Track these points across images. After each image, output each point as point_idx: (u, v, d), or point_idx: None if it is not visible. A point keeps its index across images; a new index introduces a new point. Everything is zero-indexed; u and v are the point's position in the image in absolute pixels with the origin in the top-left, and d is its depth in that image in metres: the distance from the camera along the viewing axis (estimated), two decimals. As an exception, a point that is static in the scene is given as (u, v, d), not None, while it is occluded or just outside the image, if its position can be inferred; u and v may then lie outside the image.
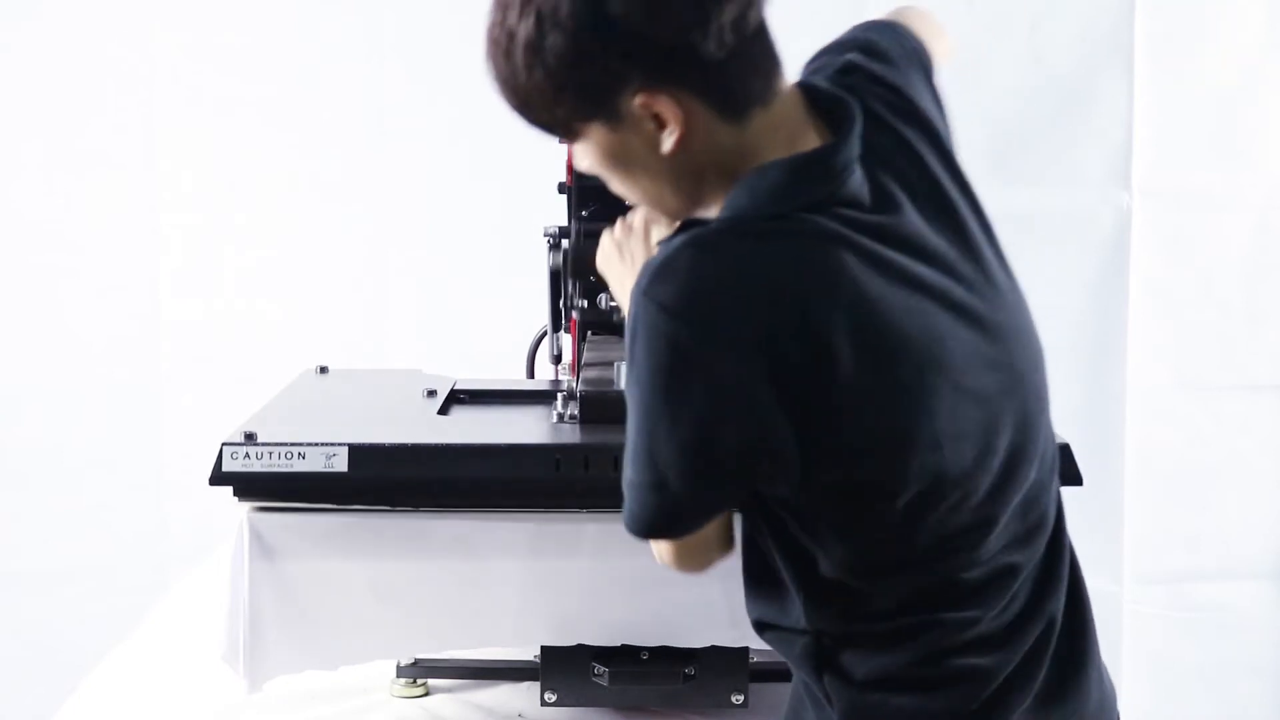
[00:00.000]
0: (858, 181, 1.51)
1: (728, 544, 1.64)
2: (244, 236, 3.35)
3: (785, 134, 1.52)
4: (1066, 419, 3.04)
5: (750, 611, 1.65)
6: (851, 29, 1.73)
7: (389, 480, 2.02)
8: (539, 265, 2.40)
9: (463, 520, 2.04)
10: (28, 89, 3.32)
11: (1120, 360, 3.32)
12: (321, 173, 3.34)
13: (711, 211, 1.54)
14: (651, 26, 1.43)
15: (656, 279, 1.44)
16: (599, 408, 2.19)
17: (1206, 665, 3.43)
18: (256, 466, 2.02)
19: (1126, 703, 3.44)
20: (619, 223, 1.79)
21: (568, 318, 2.40)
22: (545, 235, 2.38)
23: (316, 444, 2.03)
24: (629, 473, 1.52)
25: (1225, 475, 3.38)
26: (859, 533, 1.53)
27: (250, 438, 2.03)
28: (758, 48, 1.49)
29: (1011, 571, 1.58)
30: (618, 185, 1.56)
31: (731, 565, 2.06)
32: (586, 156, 1.54)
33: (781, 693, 2.37)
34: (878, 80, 1.61)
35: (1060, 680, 1.61)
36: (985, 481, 1.54)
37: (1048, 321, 3.59)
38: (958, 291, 1.53)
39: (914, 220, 1.53)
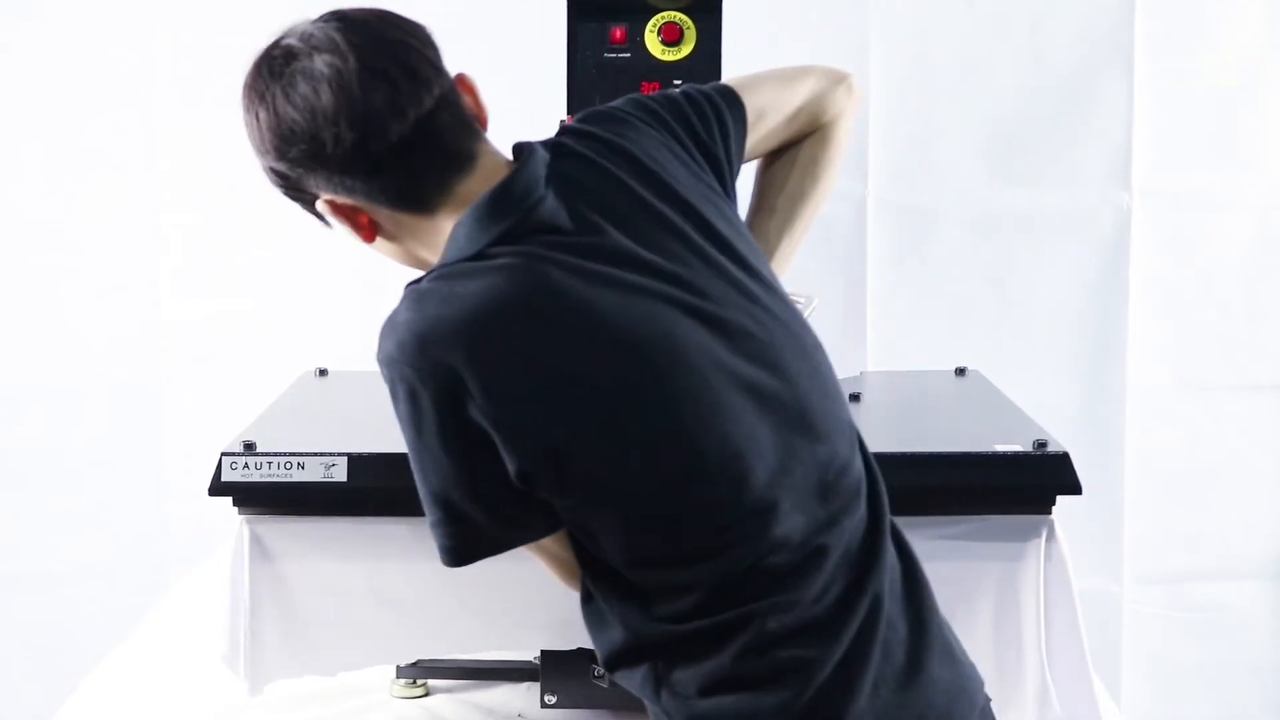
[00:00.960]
0: (550, 210, 1.62)
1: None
2: (244, 236, 3.35)
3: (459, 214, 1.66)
4: (1066, 419, 3.07)
5: (598, 652, 1.72)
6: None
7: (388, 489, 2.02)
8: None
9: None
10: (28, 89, 3.31)
11: (1120, 360, 3.32)
12: (321, 173, 3.33)
13: None
14: (316, 152, 1.64)
15: (381, 338, 1.63)
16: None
17: (1206, 665, 3.42)
18: (255, 477, 2.02)
19: (1127, 703, 3.46)
20: None
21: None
22: None
23: (316, 454, 2.03)
24: (429, 515, 1.68)
25: (1225, 475, 3.37)
26: (633, 529, 1.60)
27: (249, 447, 2.03)
28: (426, 144, 1.64)
29: (821, 553, 1.62)
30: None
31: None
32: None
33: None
34: (588, 134, 1.71)
35: (898, 666, 1.63)
36: (757, 469, 1.59)
37: (1048, 321, 3.62)
38: (683, 295, 1.61)
39: (619, 239, 1.63)
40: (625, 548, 1.62)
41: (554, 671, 2.20)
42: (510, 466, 1.60)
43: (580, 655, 2.16)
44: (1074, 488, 2.03)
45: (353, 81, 1.62)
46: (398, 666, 2.36)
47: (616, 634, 1.67)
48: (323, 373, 2.63)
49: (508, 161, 1.69)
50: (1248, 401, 3.36)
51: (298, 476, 2.02)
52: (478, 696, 2.37)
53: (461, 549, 1.67)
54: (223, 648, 2.05)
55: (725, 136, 1.79)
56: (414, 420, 1.61)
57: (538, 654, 2.21)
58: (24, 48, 3.30)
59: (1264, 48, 3.28)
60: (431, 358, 1.57)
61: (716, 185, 1.74)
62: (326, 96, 1.62)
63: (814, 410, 1.65)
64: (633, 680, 1.69)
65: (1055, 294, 3.34)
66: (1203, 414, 3.35)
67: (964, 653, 1.73)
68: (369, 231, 1.70)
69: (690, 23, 2.37)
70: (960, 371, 2.67)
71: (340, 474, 2.02)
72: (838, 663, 1.60)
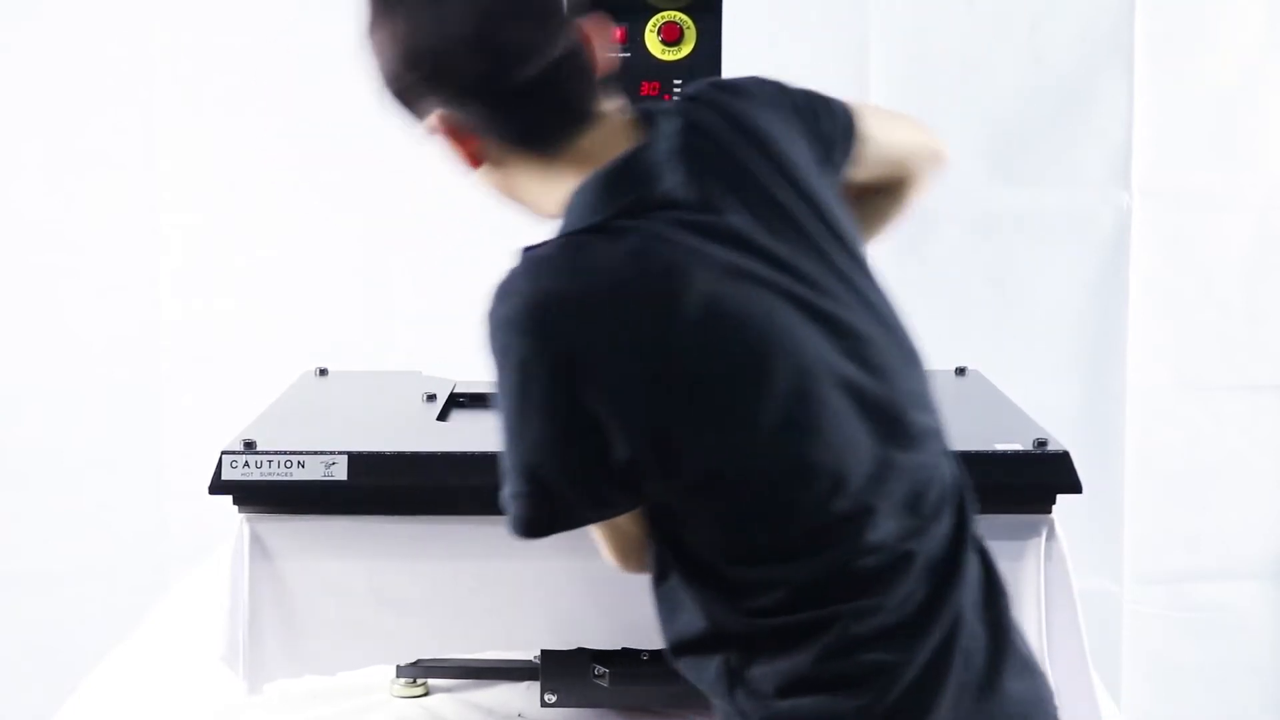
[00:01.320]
0: (675, 185, 1.59)
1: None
2: (244, 236, 3.35)
3: (609, 153, 1.62)
4: (1066, 419, 3.07)
5: (666, 637, 1.69)
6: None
7: (389, 488, 2.02)
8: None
9: (462, 524, 2.04)
10: (28, 89, 3.32)
11: (1120, 360, 3.32)
12: (322, 173, 3.34)
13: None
14: (442, 73, 1.60)
15: (495, 300, 1.59)
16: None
17: (1206, 665, 3.43)
18: (256, 475, 2.02)
19: (1127, 703, 3.46)
20: None
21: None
22: None
23: (316, 452, 2.03)
24: (510, 484, 1.62)
25: (1225, 475, 3.38)
26: (731, 522, 1.58)
27: (250, 446, 2.03)
28: (550, 92, 1.61)
29: (908, 559, 1.60)
30: None
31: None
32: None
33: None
34: (718, 105, 1.68)
35: (978, 674, 1.61)
36: (855, 473, 1.58)
37: (1048, 321, 3.62)
38: (800, 289, 1.59)
39: (741, 221, 1.60)
40: (720, 538, 1.59)
41: (554, 671, 2.20)
42: (615, 447, 1.56)
43: (580, 655, 2.16)
44: (1074, 487, 2.03)
45: (494, 14, 1.59)
46: (398, 666, 2.36)
47: (693, 621, 1.64)
48: (323, 372, 2.63)
49: (630, 121, 1.65)
50: (1248, 401, 3.36)
51: (298, 475, 2.02)
52: (478, 696, 2.37)
53: (541, 521, 1.62)
54: (222, 647, 2.05)
55: (845, 144, 1.77)
56: (518, 389, 1.57)
57: (538, 653, 2.21)
58: (24, 48, 3.31)
59: (1264, 48, 3.29)
60: (548, 331, 1.55)
61: (834, 182, 1.73)
62: (467, 24, 1.58)
63: (911, 418, 1.64)
64: (702, 671, 1.66)
65: (1055, 294, 3.34)
66: (1203, 414, 3.35)
67: (1038, 663, 1.71)
68: (475, 160, 1.66)
69: (690, 23, 2.37)
70: (960, 371, 2.67)
71: (340, 473, 2.02)
72: (919, 669, 1.58)
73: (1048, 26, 3.26)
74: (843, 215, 1.69)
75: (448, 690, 2.39)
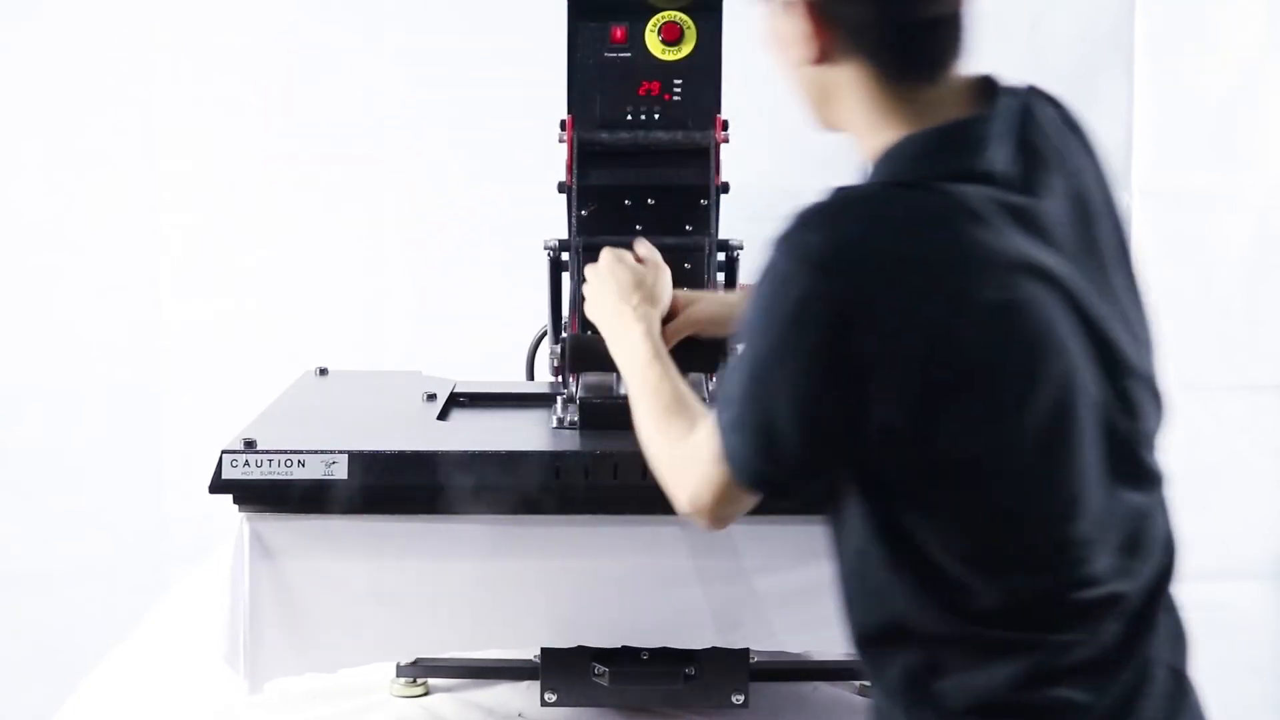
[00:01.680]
0: (1001, 160, 1.54)
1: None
2: (244, 236, 3.35)
3: (945, 112, 1.57)
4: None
5: (853, 624, 1.62)
6: None
7: (389, 487, 2.02)
8: (539, 264, 2.41)
9: (462, 524, 2.04)
10: (28, 89, 3.32)
11: (1120, 360, 3.32)
12: (321, 173, 3.34)
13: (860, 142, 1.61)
14: None
15: (800, 227, 1.49)
16: (598, 415, 2.19)
17: (1206, 665, 3.41)
18: (256, 474, 2.02)
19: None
20: (590, 269, 1.99)
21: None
22: (545, 248, 2.38)
23: (316, 451, 2.03)
24: (735, 412, 1.54)
25: (1225, 475, 3.37)
26: (974, 514, 1.51)
27: (250, 445, 2.03)
28: (939, 34, 1.57)
29: (1115, 599, 1.56)
30: (778, 64, 1.64)
31: (734, 566, 2.07)
32: (766, 26, 1.64)
33: (782, 693, 2.38)
34: (1056, 104, 1.67)
35: None
36: (1090, 504, 1.53)
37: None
38: (1084, 298, 1.54)
39: (1055, 211, 1.55)
40: (949, 529, 1.52)
41: (554, 670, 2.20)
42: (875, 408, 1.48)
43: (581, 653, 2.16)
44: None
45: None
46: (398, 665, 2.37)
47: (886, 609, 1.57)
48: (323, 372, 2.63)
49: (972, 89, 1.60)
50: (1248, 401, 3.36)
51: (298, 474, 2.02)
52: (478, 695, 2.37)
53: (750, 466, 1.56)
54: (223, 646, 2.06)
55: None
56: (786, 322, 1.49)
57: (538, 652, 2.22)
58: (24, 48, 3.31)
59: (1264, 48, 3.29)
60: (844, 275, 1.47)
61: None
62: None
63: (1145, 459, 1.61)
64: (882, 668, 1.59)
65: (1055, 294, 3.34)
66: (1203, 414, 3.35)
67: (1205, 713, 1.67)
68: (819, 55, 1.58)
69: (690, 23, 2.37)
70: (960, 371, 2.67)
71: (341, 471, 2.03)
72: (1104, 713, 1.55)
73: (1048, 26, 3.27)
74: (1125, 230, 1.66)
75: (448, 690, 2.39)
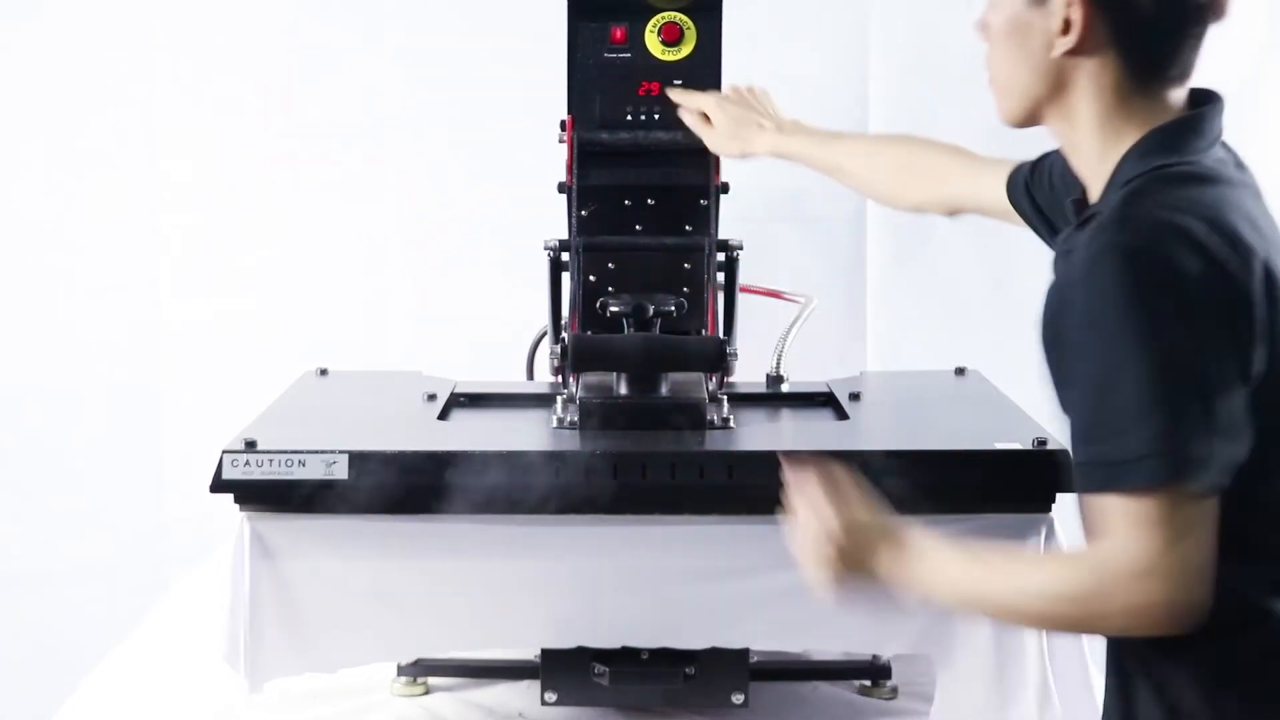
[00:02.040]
0: (1217, 157, 1.60)
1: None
2: (244, 236, 3.35)
3: (1168, 116, 1.59)
4: (1065, 419, 3.06)
5: None
6: None
7: (389, 487, 2.02)
8: (539, 264, 2.41)
9: (463, 522, 2.04)
10: (28, 89, 3.31)
11: (1120, 360, 3.32)
12: (321, 173, 3.34)
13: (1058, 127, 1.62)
14: None
15: (1124, 229, 1.47)
16: (598, 415, 2.19)
17: (1206, 665, 3.42)
18: (257, 474, 2.03)
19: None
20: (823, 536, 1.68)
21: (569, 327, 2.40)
22: (545, 248, 2.38)
23: (316, 451, 2.04)
24: (1156, 430, 1.44)
25: (1225, 475, 3.37)
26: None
27: (250, 445, 2.04)
28: (1192, 45, 1.58)
29: None
30: (993, 50, 1.64)
31: (734, 566, 2.07)
32: (999, 11, 1.63)
33: (782, 693, 2.38)
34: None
35: None
36: None
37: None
38: None
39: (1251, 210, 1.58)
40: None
41: (554, 670, 2.21)
42: (1254, 371, 1.47)
43: (581, 652, 2.16)
44: (1073, 485, 2.03)
45: None
46: (398, 665, 2.37)
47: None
48: (323, 372, 2.64)
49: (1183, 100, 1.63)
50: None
51: (299, 474, 2.03)
52: (478, 695, 2.38)
53: (1204, 462, 1.44)
54: (223, 645, 2.06)
55: None
56: (1180, 313, 1.44)
57: (538, 652, 2.22)
58: (24, 48, 3.31)
59: (1264, 48, 3.28)
60: (1233, 238, 1.47)
61: None
62: None
63: None
64: (1179, 655, 1.54)
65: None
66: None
67: None
68: (1079, 46, 1.57)
69: (690, 23, 2.37)
70: (960, 371, 2.68)
71: (341, 471, 2.03)
72: None
73: (1047, 26, 3.26)
74: None
75: (448, 689, 2.39)
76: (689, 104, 2.32)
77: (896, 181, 2.23)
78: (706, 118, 2.31)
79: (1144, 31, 1.57)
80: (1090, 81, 1.59)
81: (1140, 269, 1.45)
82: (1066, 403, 1.54)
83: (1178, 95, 1.60)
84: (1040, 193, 1.94)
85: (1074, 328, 1.49)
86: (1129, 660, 1.58)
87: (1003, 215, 2.06)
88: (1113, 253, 1.46)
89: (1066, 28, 1.57)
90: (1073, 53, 1.58)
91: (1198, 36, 1.58)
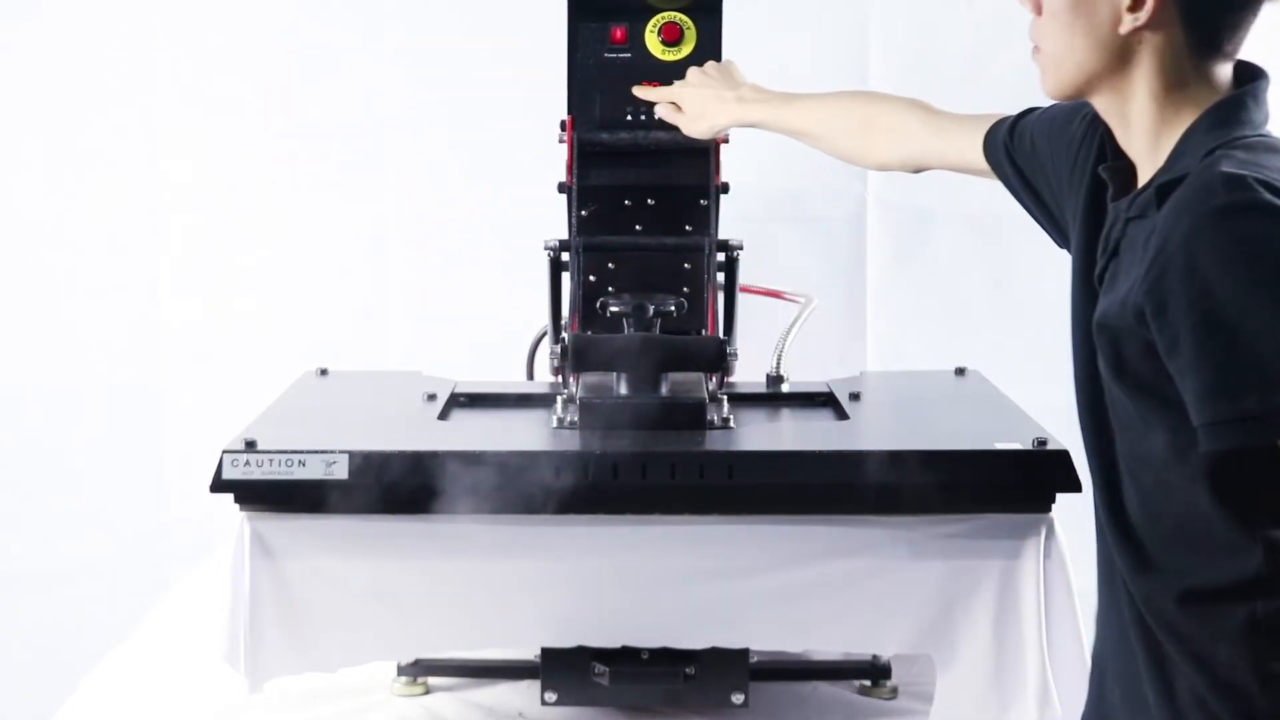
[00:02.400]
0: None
1: None
2: (244, 236, 3.35)
3: (1219, 95, 1.59)
4: (1066, 419, 3.05)
5: (1181, 579, 1.57)
6: None
7: (389, 487, 2.02)
8: (539, 264, 2.41)
9: (463, 522, 2.04)
10: (28, 89, 3.32)
11: (1120, 360, 3.32)
12: (321, 173, 3.34)
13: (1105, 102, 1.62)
14: None
15: (1240, 188, 1.46)
16: (598, 415, 2.19)
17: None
18: (257, 474, 2.03)
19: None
20: None
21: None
22: (545, 248, 2.38)
23: (316, 451, 2.04)
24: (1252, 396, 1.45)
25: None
26: None
27: (250, 445, 2.04)
28: (1251, 21, 1.58)
29: None
30: (1047, 22, 1.62)
31: (734, 566, 2.07)
32: None
33: (782, 693, 2.38)
34: None
35: None
36: None
37: (1048, 321, 3.59)
38: None
39: None
40: None
41: (554, 669, 2.20)
42: None
43: (581, 652, 2.16)
44: (1074, 486, 2.04)
45: None
46: (398, 665, 2.37)
47: (1240, 561, 1.53)
48: (323, 372, 2.64)
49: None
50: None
51: (299, 474, 2.03)
52: (478, 695, 2.38)
53: None
54: (223, 645, 2.06)
55: None
56: None
57: (538, 652, 2.22)
58: (24, 48, 3.31)
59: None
60: None
61: None
62: None
63: None
64: (1218, 625, 1.54)
65: (1055, 294, 3.32)
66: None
67: None
68: (1150, 19, 1.57)
69: (690, 23, 2.37)
70: (960, 371, 2.68)
71: (341, 471, 2.03)
72: None
73: (1048, 26, 3.26)
74: None
75: (448, 689, 2.39)
76: (658, 98, 2.32)
77: (859, 141, 2.22)
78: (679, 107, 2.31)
79: (1212, 7, 1.57)
80: (1152, 56, 1.59)
81: (1237, 242, 1.46)
82: (1188, 367, 1.50)
83: (1227, 70, 1.60)
84: (1020, 155, 1.94)
85: (1203, 287, 1.47)
86: (1163, 636, 1.57)
87: (971, 172, 2.07)
88: (1245, 211, 1.46)
89: (1137, 3, 1.57)
90: (1143, 27, 1.57)
91: (1256, 13, 1.58)
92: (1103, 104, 1.65)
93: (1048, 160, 1.83)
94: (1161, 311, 1.51)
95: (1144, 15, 1.57)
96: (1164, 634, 1.57)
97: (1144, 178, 1.63)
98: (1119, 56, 1.60)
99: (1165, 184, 1.56)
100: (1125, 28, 1.58)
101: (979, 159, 2.03)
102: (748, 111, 2.25)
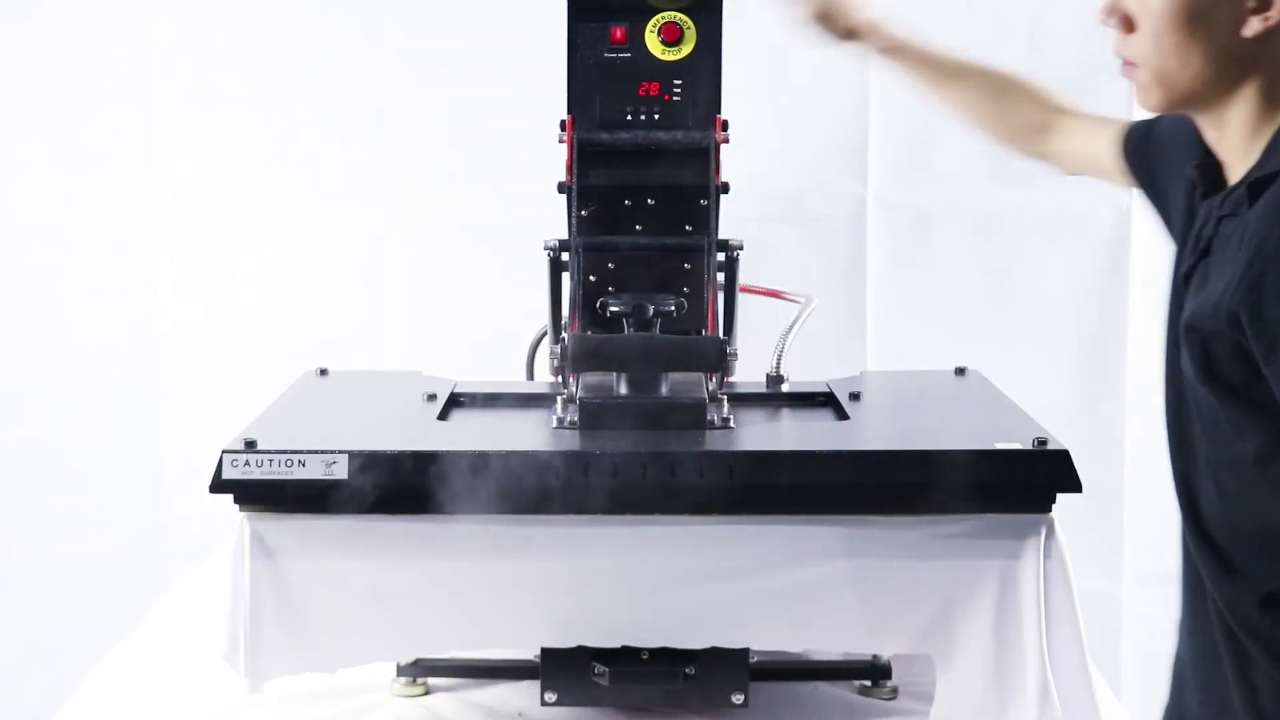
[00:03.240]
0: None
1: None
2: (244, 237, 3.35)
3: None
4: (1066, 419, 3.06)
5: (1264, 583, 1.58)
6: None
7: (389, 487, 2.02)
8: (539, 264, 2.41)
9: (463, 522, 2.04)
10: (28, 89, 3.31)
11: (1120, 360, 3.32)
12: (321, 173, 3.34)
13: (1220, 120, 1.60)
14: None
15: None
16: (598, 415, 2.19)
17: None
18: (256, 474, 2.03)
19: (1125, 703, 3.45)
20: None
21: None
22: (545, 248, 2.38)
23: (316, 451, 2.04)
24: None
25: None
26: None
27: (250, 445, 2.04)
28: None
29: None
30: (1149, 39, 1.61)
31: (734, 566, 2.07)
32: None
33: (782, 693, 2.38)
34: None
35: None
36: None
37: (1048, 321, 3.60)
38: None
39: None
40: None
41: (554, 670, 2.20)
42: None
43: (581, 652, 2.16)
44: (1074, 485, 2.04)
45: None
46: (398, 665, 2.37)
47: None
48: (323, 372, 2.64)
49: None
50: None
51: (299, 474, 2.03)
52: (478, 695, 2.37)
53: None
54: (223, 645, 2.06)
55: None
56: None
57: (538, 652, 2.22)
58: (24, 48, 3.31)
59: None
60: None
61: None
62: None
63: None
64: None
65: (1055, 293, 3.33)
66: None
67: None
68: (1263, 26, 1.56)
69: (690, 23, 2.37)
70: (960, 371, 2.68)
71: (341, 471, 2.03)
72: None
73: (1048, 25, 3.26)
74: None
75: (448, 689, 2.39)
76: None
77: (993, 106, 2.22)
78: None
79: None
80: (1267, 59, 1.57)
81: None
82: None
83: None
84: (1155, 155, 1.91)
85: None
86: (1247, 639, 1.58)
87: (1096, 173, 2.03)
88: None
89: (1263, 4, 1.53)
90: (1267, 29, 1.55)
91: None
92: (1201, 111, 1.62)
93: (1171, 162, 1.82)
94: (1258, 314, 1.50)
95: (1275, 13, 1.53)
96: (1248, 637, 1.58)
97: (1235, 176, 1.61)
98: (1238, 61, 1.57)
99: (1259, 180, 1.54)
100: (1252, 30, 1.55)
101: (1105, 154, 2.01)
102: (888, 28, 2.21)
